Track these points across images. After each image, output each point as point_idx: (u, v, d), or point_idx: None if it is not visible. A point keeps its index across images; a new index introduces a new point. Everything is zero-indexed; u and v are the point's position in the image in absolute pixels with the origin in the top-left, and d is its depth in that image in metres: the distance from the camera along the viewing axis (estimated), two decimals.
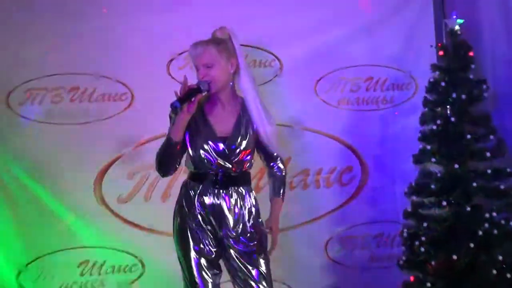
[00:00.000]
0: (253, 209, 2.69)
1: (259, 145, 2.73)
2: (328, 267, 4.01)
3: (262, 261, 2.66)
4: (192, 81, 2.55)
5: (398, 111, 4.10)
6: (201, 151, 2.60)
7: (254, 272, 2.62)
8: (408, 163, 3.71)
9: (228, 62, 2.60)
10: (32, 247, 3.58)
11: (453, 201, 3.45)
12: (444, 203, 3.46)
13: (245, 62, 2.69)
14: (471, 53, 3.56)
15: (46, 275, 3.60)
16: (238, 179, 2.67)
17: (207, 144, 2.59)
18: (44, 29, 3.55)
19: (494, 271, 3.32)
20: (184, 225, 2.64)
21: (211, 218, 2.63)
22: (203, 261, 2.60)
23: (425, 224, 3.51)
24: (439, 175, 3.53)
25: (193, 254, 2.60)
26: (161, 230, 3.67)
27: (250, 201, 2.68)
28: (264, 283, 2.63)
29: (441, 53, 3.64)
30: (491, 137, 3.50)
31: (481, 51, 3.80)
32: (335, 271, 4.02)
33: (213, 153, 2.59)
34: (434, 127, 3.56)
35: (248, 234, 2.64)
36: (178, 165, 2.65)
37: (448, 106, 3.56)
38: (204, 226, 2.63)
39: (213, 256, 2.63)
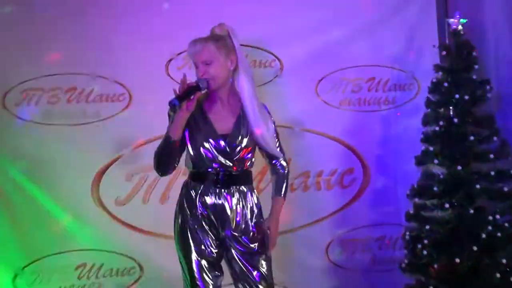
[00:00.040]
0: (256, 208, 2.69)
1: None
2: (329, 270, 4.02)
3: (263, 262, 2.66)
4: (191, 79, 2.55)
5: (400, 112, 4.10)
6: (202, 149, 2.60)
7: (254, 273, 2.63)
8: (410, 164, 3.72)
9: (227, 59, 2.60)
10: (28, 250, 3.57)
11: (456, 203, 3.46)
12: (447, 205, 3.46)
13: (244, 59, 2.69)
14: (474, 53, 3.57)
15: (42, 278, 3.59)
16: (239, 178, 2.67)
17: (208, 142, 2.59)
18: (41, 28, 3.54)
19: (498, 275, 3.33)
20: (185, 225, 2.63)
21: (213, 218, 2.63)
22: (204, 262, 2.60)
23: (427, 227, 3.51)
24: (441, 177, 3.53)
25: (194, 255, 2.60)
26: (160, 232, 3.67)
27: (252, 200, 2.69)
28: (264, 284, 2.63)
29: (444, 53, 3.65)
30: (495, 138, 3.51)
31: (484, 51, 3.80)
32: (336, 274, 4.02)
33: (214, 151, 2.59)
34: (437, 128, 3.57)
35: (250, 234, 2.64)
36: (177, 164, 2.65)
37: (451, 107, 3.57)
38: (205, 226, 2.63)
39: (214, 257, 2.63)
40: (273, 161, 2.79)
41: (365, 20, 3.98)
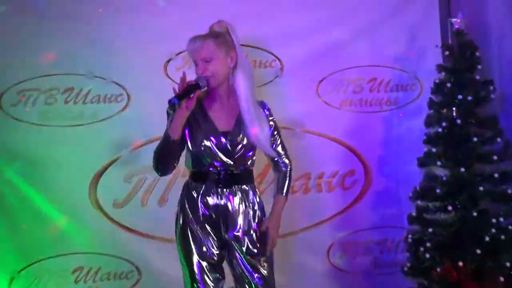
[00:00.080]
0: (258, 208, 2.69)
1: None
2: (330, 274, 4.02)
3: (264, 263, 2.66)
4: (191, 78, 2.55)
5: (402, 112, 4.10)
6: (202, 148, 2.60)
7: (256, 274, 2.62)
8: (412, 166, 3.72)
9: (227, 56, 2.60)
10: (25, 253, 3.57)
11: (459, 206, 3.46)
12: (450, 207, 3.47)
13: (244, 56, 2.68)
14: (477, 53, 3.57)
15: (39, 282, 3.59)
16: (241, 177, 2.67)
17: (209, 139, 2.59)
18: (37, 28, 3.55)
19: (502, 278, 3.33)
20: (186, 227, 2.63)
21: (216, 218, 2.63)
22: (205, 264, 2.60)
23: (430, 230, 3.51)
24: (444, 178, 3.53)
25: (195, 257, 2.60)
26: (158, 235, 3.68)
27: (254, 199, 2.69)
28: (265, 286, 2.63)
29: (446, 53, 3.65)
30: (498, 139, 3.51)
31: (487, 51, 3.81)
32: (338, 278, 4.02)
33: (215, 148, 2.59)
34: (440, 129, 3.57)
35: (253, 234, 2.65)
36: (177, 164, 2.64)
37: (454, 108, 3.57)
38: (207, 227, 2.63)
39: (216, 259, 2.63)
40: (275, 159, 2.79)
41: (366, 19, 3.98)
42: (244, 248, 2.63)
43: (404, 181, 3.96)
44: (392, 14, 4.04)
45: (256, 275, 2.62)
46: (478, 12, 3.89)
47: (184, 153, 2.69)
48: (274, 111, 2.79)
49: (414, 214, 3.65)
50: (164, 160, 2.58)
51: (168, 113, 2.62)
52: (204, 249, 2.61)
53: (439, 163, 3.54)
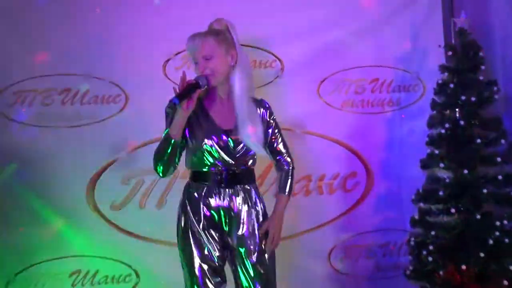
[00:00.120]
0: (261, 207, 2.70)
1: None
2: (331, 277, 4.02)
3: (266, 263, 2.65)
4: (190, 78, 2.55)
5: (404, 114, 4.11)
6: (204, 147, 2.60)
7: (256, 273, 2.62)
8: (415, 168, 3.73)
9: (228, 54, 2.61)
10: (21, 256, 3.57)
11: (462, 208, 3.47)
12: (453, 210, 3.47)
13: (244, 54, 2.68)
14: (481, 53, 3.58)
15: (35, 285, 3.59)
16: (243, 176, 2.67)
17: (210, 138, 2.60)
18: (34, 28, 3.56)
19: (506, 282, 3.33)
20: (188, 229, 2.63)
21: (218, 220, 2.63)
22: (206, 268, 2.60)
23: (433, 232, 3.52)
24: (447, 181, 3.54)
25: (197, 260, 2.60)
26: (157, 238, 3.68)
27: (257, 199, 2.70)
28: (266, 285, 2.63)
29: (449, 53, 3.66)
30: (502, 141, 3.52)
31: (491, 51, 3.82)
32: (339, 282, 4.02)
33: (217, 147, 2.60)
34: (443, 130, 3.58)
35: (257, 234, 2.65)
36: (178, 164, 2.64)
37: (457, 109, 3.58)
38: (209, 229, 2.63)
39: (217, 262, 2.63)
40: (278, 157, 2.79)
41: (368, 19, 3.99)
42: (246, 248, 2.62)
43: (407, 183, 3.97)
44: (394, 13, 4.04)
45: (256, 274, 2.62)
46: (481, 11, 3.90)
47: (184, 153, 2.69)
48: (274, 112, 2.79)
49: (416, 216, 3.65)
50: (165, 161, 2.57)
51: (166, 113, 2.62)
52: (206, 252, 2.61)
53: (442, 165, 3.54)
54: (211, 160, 2.61)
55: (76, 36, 3.60)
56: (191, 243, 2.61)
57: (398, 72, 4.08)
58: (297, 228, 3.90)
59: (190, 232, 2.62)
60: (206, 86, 2.57)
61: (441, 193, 3.51)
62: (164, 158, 2.56)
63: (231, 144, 2.61)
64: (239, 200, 2.65)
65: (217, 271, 2.63)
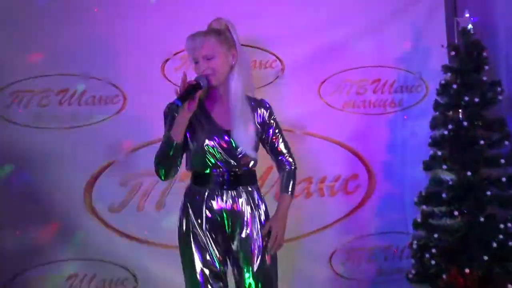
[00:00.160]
0: (263, 209, 2.70)
1: (262, 141, 2.74)
2: (333, 281, 4.02)
3: (267, 264, 2.65)
4: (190, 78, 2.56)
5: (407, 115, 4.12)
6: (206, 147, 2.60)
7: (257, 276, 2.62)
8: (417, 170, 3.74)
9: (229, 54, 2.61)
10: (17, 260, 3.57)
11: (465, 211, 3.48)
12: (456, 212, 3.48)
13: (244, 54, 2.68)
14: (484, 54, 3.59)
15: None
16: (245, 178, 2.67)
17: (212, 139, 2.59)
18: (31, 28, 3.56)
19: (510, 285, 3.34)
20: (189, 233, 2.62)
21: (220, 222, 2.63)
22: (208, 272, 2.60)
23: (436, 235, 3.53)
24: (450, 183, 3.55)
25: (198, 265, 2.60)
26: (155, 241, 3.68)
27: (259, 200, 2.69)
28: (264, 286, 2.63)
29: (452, 53, 3.67)
30: (506, 142, 3.53)
31: (495, 51, 3.83)
32: (341, 285, 4.02)
33: (219, 147, 2.60)
34: (446, 132, 3.59)
35: (260, 236, 2.64)
36: (179, 166, 2.63)
37: (460, 110, 3.59)
38: (211, 232, 2.62)
39: (219, 267, 2.62)
40: (279, 157, 2.78)
41: (370, 19, 4.00)
42: (248, 249, 2.61)
43: (409, 186, 3.98)
44: (396, 13, 4.05)
45: (259, 280, 2.61)
46: (485, 11, 3.91)
47: (184, 155, 2.69)
48: (275, 113, 2.79)
49: (419, 219, 3.66)
50: (167, 164, 2.57)
51: (165, 114, 2.63)
52: (208, 257, 2.60)
53: (445, 166, 3.55)
54: (212, 161, 2.61)
55: (74, 36, 3.59)
56: (192, 247, 2.61)
57: (400, 73, 4.09)
58: (298, 231, 3.89)
59: (191, 236, 2.61)
60: (206, 86, 2.57)
61: (444, 195, 3.52)
62: (166, 161, 2.55)
63: (233, 144, 2.61)
64: (242, 201, 2.64)
65: (218, 276, 2.62)
